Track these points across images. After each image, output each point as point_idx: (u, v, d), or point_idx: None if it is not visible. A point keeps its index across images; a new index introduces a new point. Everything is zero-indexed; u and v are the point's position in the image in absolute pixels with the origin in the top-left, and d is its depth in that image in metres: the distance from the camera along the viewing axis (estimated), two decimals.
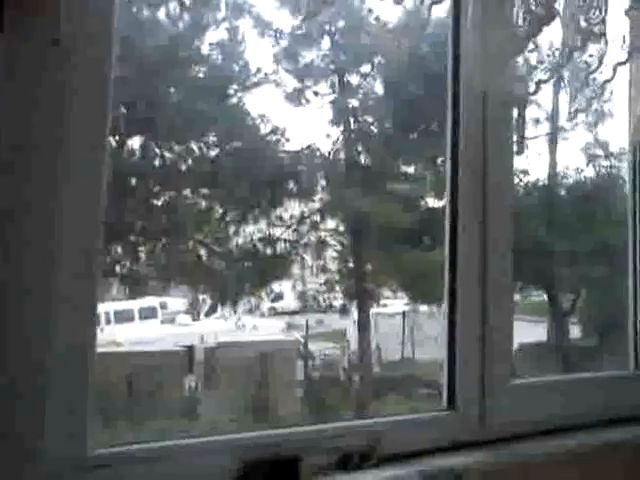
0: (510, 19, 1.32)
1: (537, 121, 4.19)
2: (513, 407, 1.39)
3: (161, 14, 3.90)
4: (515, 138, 1.51)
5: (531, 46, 1.40)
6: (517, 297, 4.24)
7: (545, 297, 4.20)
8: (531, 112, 3.91)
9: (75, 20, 0.94)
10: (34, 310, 0.91)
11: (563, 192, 4.33)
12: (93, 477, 0.95)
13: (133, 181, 3.90)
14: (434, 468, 1.23)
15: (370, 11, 4.09)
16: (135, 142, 3.95)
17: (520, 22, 1.33)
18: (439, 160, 4.13)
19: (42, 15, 0.91)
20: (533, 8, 1.32)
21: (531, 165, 4.14)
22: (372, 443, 1.21)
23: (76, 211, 0.95)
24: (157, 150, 4.01)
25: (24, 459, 0.90)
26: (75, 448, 0.94)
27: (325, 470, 1.14)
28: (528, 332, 3.86)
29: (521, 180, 4.21)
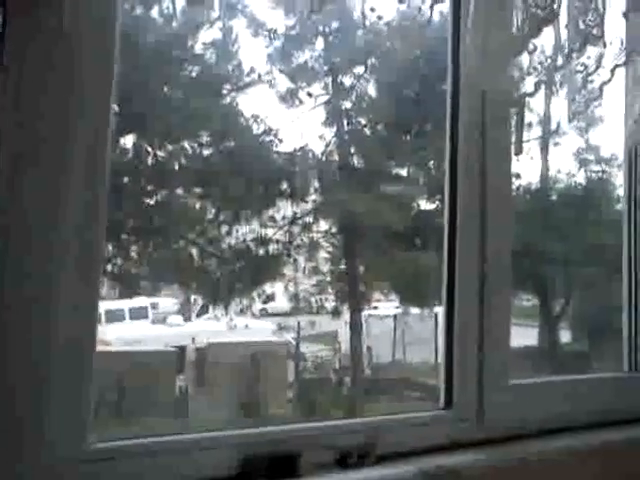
0: (510, 20, 1.33)
1: (529, 125, 4.22)
2: (511, 407, 1.39)
3: (154, 12, 3.89)
4: (514, 138, 1.51)
5: (531, 47, 1.41)
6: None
7: (536, 301, 4.22)
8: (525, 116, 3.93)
9: (80, 10, 0.93)
10: (35, 308, 0.91)
11: (555, 196, 4.35)
12: (93, 470, 0.95)
13: (125, 179, 3.88)
14: (432, 467, 1.22)
15: (364, 12, 4.10)
16: (128, 140, 3.93)
17: (520, 23, 1.34)
18: (432, 162, 4.15)
19: (47, 7, 0.91)
20: (533, 9, 1.32)
21: (523, 169, 4.17)
22: (370, 441, 1.21)
23: (78, 207, 0.95)
24: (150, 149, 3.99)
25: (25, 453, 0.90)
26: (75, 442, 0.93)
27: (324, 467, 1.14)
28: (518, 336, 3.88)
29: (513, 183, 4.22)
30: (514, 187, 4.39)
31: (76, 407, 0.95)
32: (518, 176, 4.21)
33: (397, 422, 1.31)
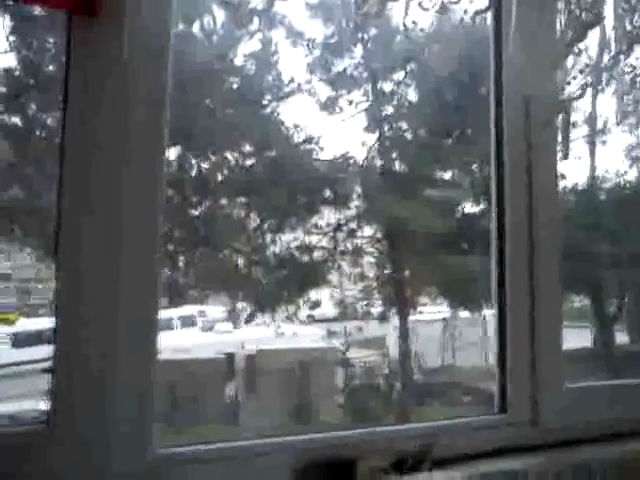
0: (554, 25, 1.32)
1: (574, 124, 4.15)
2: (566, 411, 1.38)
3: (195, 27, 3.97)
4: (560, 143, 1.50)
5: (576, 50, 1.40)
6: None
7: (588, 302, 4.13)
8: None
9: (137, 38, 0.97)
10: (101, 321, 0.94)
11: (603, 196, 4.26)
12: (158, 475, 0.98)
13: (170, 191, 3.96)
14: (488, 471, 1.22)
15: (403, 18, 4.11)
16: (172, 153, 4.02)
17: (564, 27, 1.33)
18: (475, 165, 4.12)
19: (107, 35, 0.95)
20: (577, 13, 1.31)
21: (570, 169, 4.09)
22: (426, 446, 1.22)
23: (137, 221, 0.98)
24: (194, 160, 4.07)
25: (94, 460, 0.93)
26: (140, 450, 0.97)
27: (381, 472, 1.15)
28: (572, 338, 3.80)
29: (557, 185, 4.15)
30: (560, 188, 4.33)
31: (140, 416, 0.98)
32: (564, 177, 4.15)
33: (452, 427, 1.32)
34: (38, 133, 3.88)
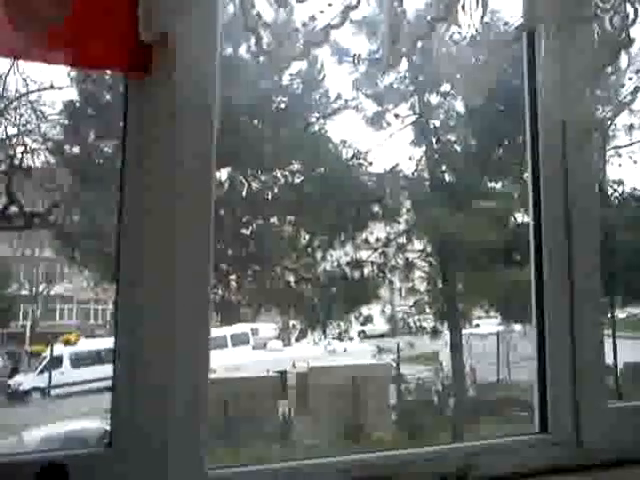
0: (587, 46, 1.29)
1: (631, 127, 4.02)
2: (611, 431, 1.32)
3: (242, 50, 4.06)
4: (597, 163, 1.46)
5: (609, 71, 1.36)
6: (618, 313, 4.03)
7: None
8: (623, 119, 3.75)
9: (185, 87, 1.03)
10: (158, 343, 0.98)
11: None
12: None
13: (222, 211, 4.04)
14: None
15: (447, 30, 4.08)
16: (223, 174, 4.11)
17: (597, 49, 1.29)
18: (526, 174, 4.03)
19: (160, 86, 1.01)
20: (610, 34, 1.28)
21: (626, 174, 3.96)
22: (467, 466, 1.19)
23: (190, 242, 1.01)
24: (244, 180, 4.14)
25: None
26: (195, 469, 0.99)
27: None
28: (633, 350, 3.66)
29: (615, 190, 4.03)
30: (617, 194, 4.20)
31: (194, 434, 1.00)
32: (621, 182, 4.01)
33: (492, 447, 1.28)
34: (97, 161, 4.05)
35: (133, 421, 0.98)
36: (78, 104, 3.96)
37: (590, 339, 1.35)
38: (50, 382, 3.48)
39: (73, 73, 3.83)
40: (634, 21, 1.21)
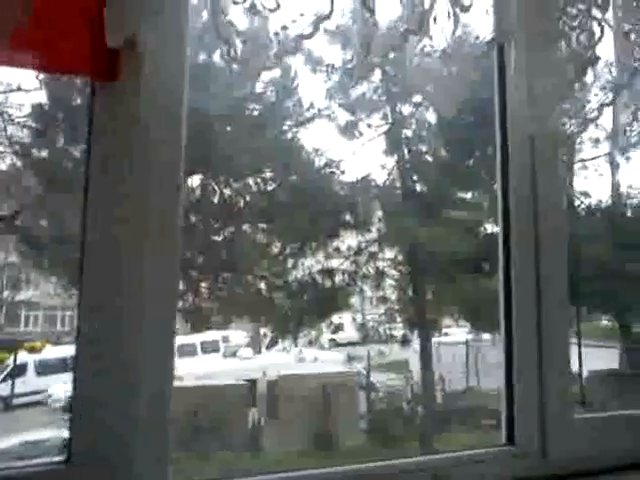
0: (555, 64, 1.31)
1: (597, 141, 4.09)
2: (576, 442, 1.33)
3: (216, 57, 4.04)
4: (566, 177, 1.49)
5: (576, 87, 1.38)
6: (584, 323, 4.09)
7: (615, 322, 4.04)
8: (590, 133, 3.82)
9: (153, 92, 1.02)
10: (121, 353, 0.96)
11: (629, 213, 4.18)
12: None
13: (193, 218, 4.01)
14: None
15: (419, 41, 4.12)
16: (195, 180, 4.08)
17: (565, 64, 1.31)
18: (496, 185, 4.08)
19: (127, 90, 1.00)
20: (577, 51, 1.30)
21: (592, 186, 4.03)
22: (435, 478, 1.19)
23: (157, 250, 1.00)
24: (216, 187, 4.12)
25: None
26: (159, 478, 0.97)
27: None
28: (598, 358, 3.72)
29: (582, 202, 4.10)
30: (584, 206, 4.28)
31: (158, 443, 0.98)
32: (587, 194, 4.08)
33: (458, 459, 1.29)
34: (64, 165, 3.98)
35: (94, 432, 0.96)
36: (47, 107, 3.90)
37: (557, 349, 1.36)
38: (13, 391, 3.40)
39: (42, 75, 3.77)
40: (600, 39, 1.23)
